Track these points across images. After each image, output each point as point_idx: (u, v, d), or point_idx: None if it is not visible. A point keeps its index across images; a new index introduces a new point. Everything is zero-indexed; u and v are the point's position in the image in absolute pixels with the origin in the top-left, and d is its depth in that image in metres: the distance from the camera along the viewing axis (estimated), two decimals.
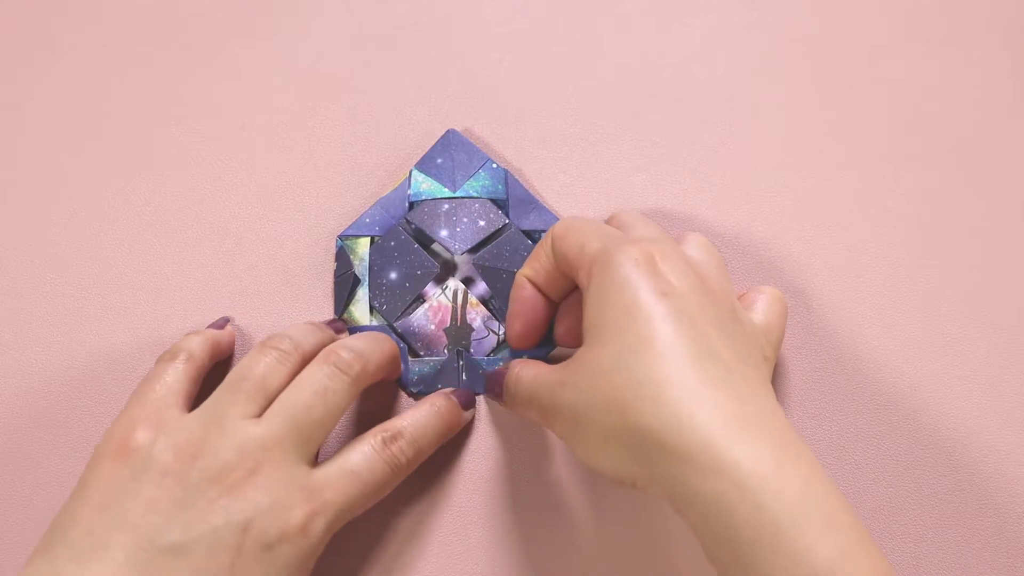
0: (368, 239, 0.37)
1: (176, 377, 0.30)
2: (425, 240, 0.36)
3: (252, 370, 0.30)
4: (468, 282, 0.36)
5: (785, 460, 0.24)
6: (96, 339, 0.37)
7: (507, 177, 0.38)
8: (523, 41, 0.41)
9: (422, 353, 0.35)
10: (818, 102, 0.40)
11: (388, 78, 0.40)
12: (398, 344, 0.35)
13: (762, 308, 0.31)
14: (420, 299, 0.36)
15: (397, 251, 0.36)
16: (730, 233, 0.38)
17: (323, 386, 0.29)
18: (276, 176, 0.39)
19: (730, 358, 0.26)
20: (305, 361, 0.31)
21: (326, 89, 0.40)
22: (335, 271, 0.37)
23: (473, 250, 0.36)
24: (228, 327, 0.35)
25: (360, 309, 0.36)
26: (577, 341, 0.30)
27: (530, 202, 0.37)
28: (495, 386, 0.33)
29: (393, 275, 0.36)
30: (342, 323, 0.35)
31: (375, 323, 0.36)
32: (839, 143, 0.39)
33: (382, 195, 0.38)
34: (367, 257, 0.36)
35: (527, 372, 0.30)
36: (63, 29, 0.40)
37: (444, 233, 0.36)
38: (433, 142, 0.39)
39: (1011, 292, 0.37)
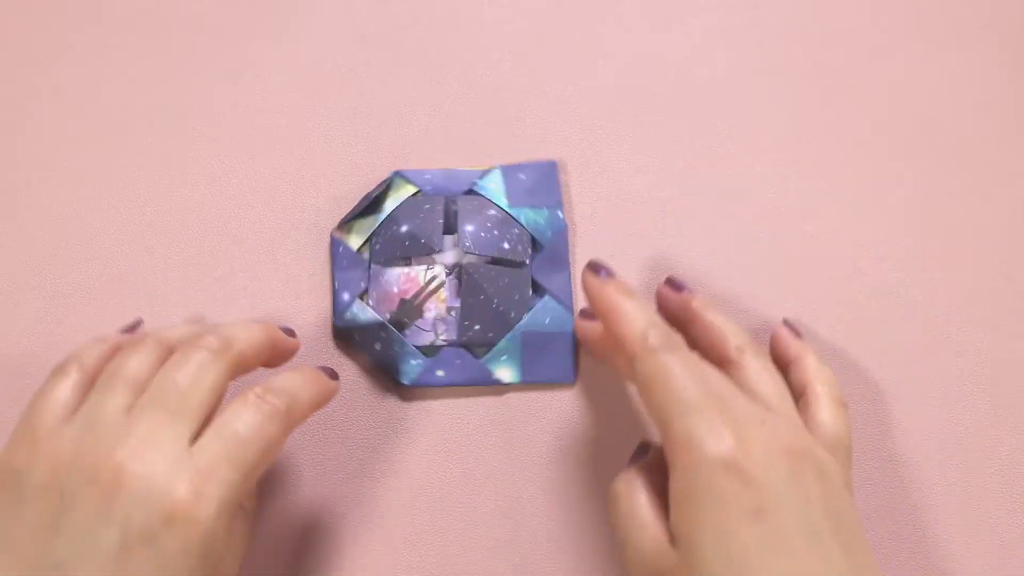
0: (413, 187, 0.37)
1: (62, 390, 0.29)
2: (452, 224, 0.36)
3: (120, 367, 0.29)
4: (451, 273, 0.36)
5: None
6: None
7: (564, 232, 0.37)
8: (523, 41, 0.41)
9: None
10: (818, 102, 0.40)
11: (388, 78, 0.40)
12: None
13: (827, 416, 0.31)
14: (407, 260, 0.36)
15: (423, 214, 0.36)
16: (730, 233, 0.38)
17: (190, 366, 0.28)
18: (276, 176, 0.39)
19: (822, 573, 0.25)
20: (171, 350, 0.30)
21: (326, 89, 0.40)
22: (372, 190, 0.37)
23: (479, 260, 0.36)
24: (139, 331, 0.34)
25: (361, 229, 0.36)
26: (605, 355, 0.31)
27: (562, 265, 0.37)
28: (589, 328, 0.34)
29: (404, 228, 0.36)
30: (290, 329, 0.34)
31: (365, 255, 0.36)
32: (839, 143, 0.39)
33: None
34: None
35: (642, 505, 0.29)
36: (63, 29, 0.40)
37: (470, 228, 0.36)
38: (433, 142, 0.39)
39: (1011, 292, 0.37)
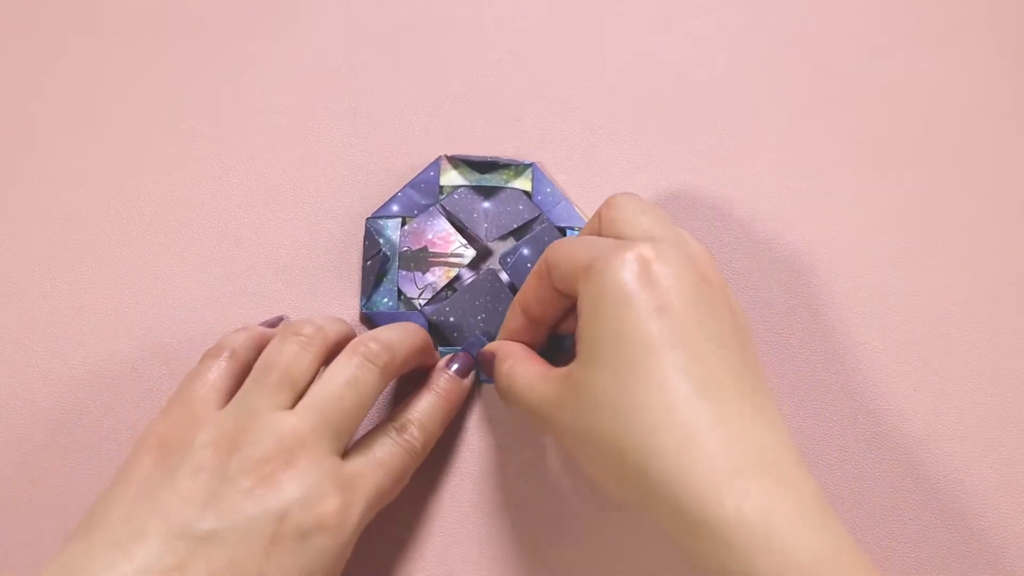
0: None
1: (218, 374, 0.31)
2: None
3: (276, 360, 0.30)
4: (474, 265, 0.37)
5: (777, 503, 0.24)
6: (96, 339, 0.37)
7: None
8: (523, 41, 0.41)
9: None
10: (818, 102, 0.40)
11: (388, 78, 0.40)
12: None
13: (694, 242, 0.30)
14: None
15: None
16: (730, 233, 0.38)
17: (353, 376, 0.30)
18: (276, 176, 0.39)
19: (728, 379, 0.26)
20: (328, 348, 0.31)
21: (326, 89, 0.40)
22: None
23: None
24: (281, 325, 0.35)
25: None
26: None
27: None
28: (487, 368, 0.33)
29: (487, 204, 0.37)
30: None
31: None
32: (839, 143, 0.39)
33: (379, 195, 0.38)
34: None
35: (519, 375, 0.30)
36: (63, 29, 0.40)
37: (525, 252, 0.36)
38: (433, 142, 0.39)
39: (1011, 292, 0.37)
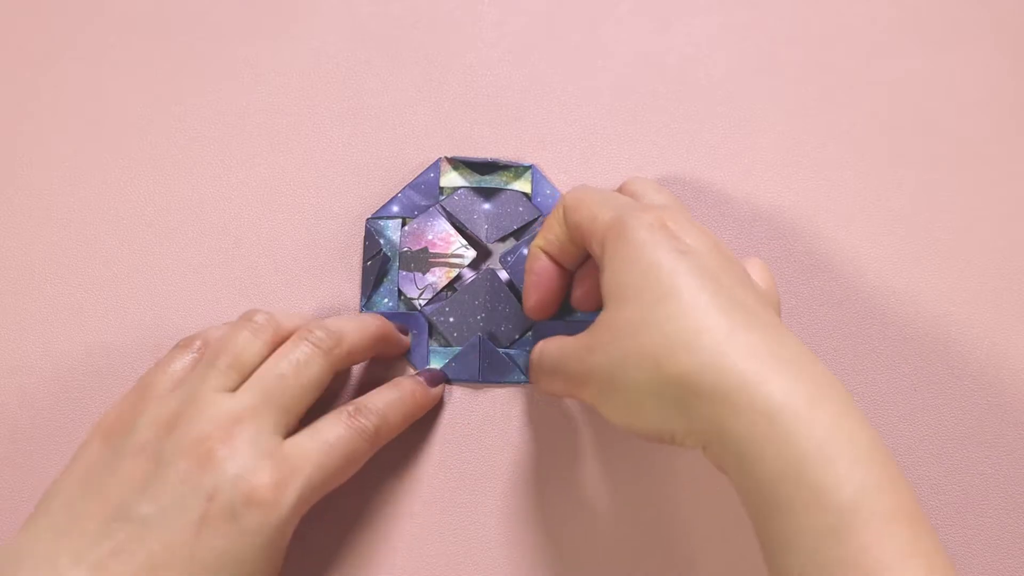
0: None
1: (182, 366, 0.31)
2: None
3: (228, 344, 0.30)
4: (474, 266, 0.37)
5: (818, 396, 0.24)
6: (95, 339, 0.37)
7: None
8: (523, 41, 0.41)
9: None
10: (818, 102, 0.40)
11: (388, 78, 0.40)
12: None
13: (755, 275, 0.31)
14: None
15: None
16: (730, 233, 0.38)
17: (297, 360, 0.30)
18: (276, 176, 0.39)
19: (756, 306, 0.26)
20: (279, 336, 0.31)
21: (326, 89, 0.40)
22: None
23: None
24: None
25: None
26: (594, 305, 0.31)
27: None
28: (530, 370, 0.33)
29: (486, 206, 0.37)
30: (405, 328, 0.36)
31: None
32: (839, 143, 0.39)
33: (379, 195, 0.38)
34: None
35: (551, 345, 0.31)
36: (63, 29, 0.40)
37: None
38: (433, 142, 0.39)
39: (1011, 292, 0.37)
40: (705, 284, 0.26)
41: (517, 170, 0.38)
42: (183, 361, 0.31)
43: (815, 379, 0.25)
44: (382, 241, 0.37)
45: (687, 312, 0.26)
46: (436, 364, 0.36)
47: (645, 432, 0.27)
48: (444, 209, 0.37)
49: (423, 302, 0.36)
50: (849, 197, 0.39)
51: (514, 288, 0.36)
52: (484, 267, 0.37)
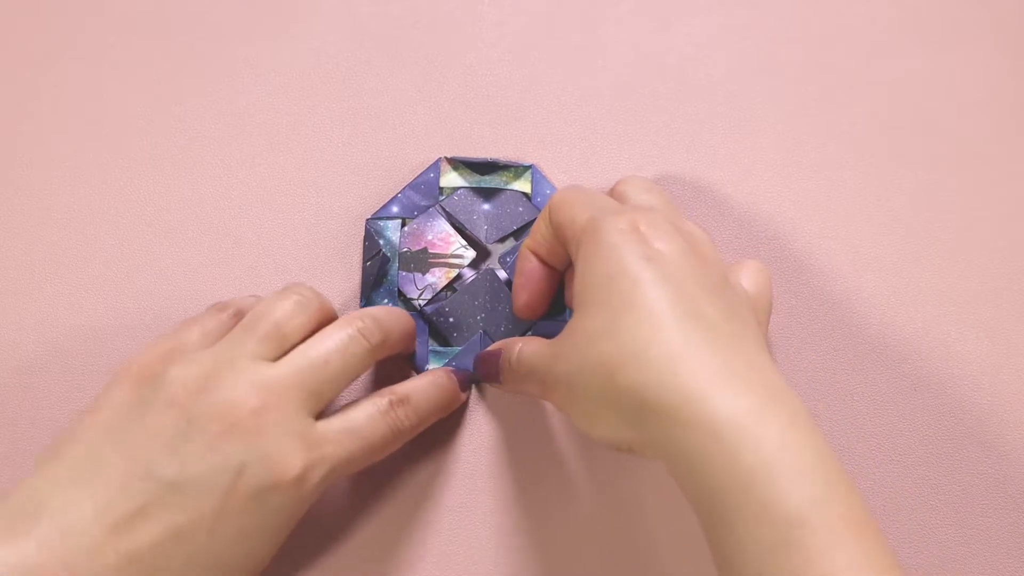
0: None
1: (216, 326, 0.30)
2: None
3: (270, 312, 0.29)
4: (474, 266, 0.37)
5: (767, 411, 0.24)
6: (95, 338, 0.37)
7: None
8: (523, 41, 0.41)
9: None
10: (818, 102, 0.40)
11: (388, 78, 0.40)
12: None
13: (748, 278, 0.31)
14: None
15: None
16: (730, 233, 0.38)
17: (344, 344, 0.29)
18: (276, 176, 0.39)
19: (718, 317, 0.26)
20: (323, 315, 0.31)
21: (326, 89, 0.40)
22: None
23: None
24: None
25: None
26: None
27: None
28: (490, 367, 0.33)
29: (485, 206, 0.37)
30: None
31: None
32: (839, 143, 0.39)
33: (378, 195, 0.38)
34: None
35: (528, 348, 0.31)
36: (63, 28, 0.40)
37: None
38: (433, 142, 0.39)
39: (1011, 292, 0.37)
40: (666, 293, 0.26)
41: (517, 170, 0.38)
42: (218, 321, 0.30)
43: (766, 391, 0.25)
44: (381, 241, 0.37)
45: (642, 323, 0.25)
46: (435, 364, 0.36)
47: (605, 441, 0.27)
48: (444, 209, 0.37)
49: (423, 302, 0.36)
50: (849, 197, 0.39)
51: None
52: (484, 267, 0.37)
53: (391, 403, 0.30)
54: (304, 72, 0.40)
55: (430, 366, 0.36)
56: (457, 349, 0.36)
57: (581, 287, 0.28)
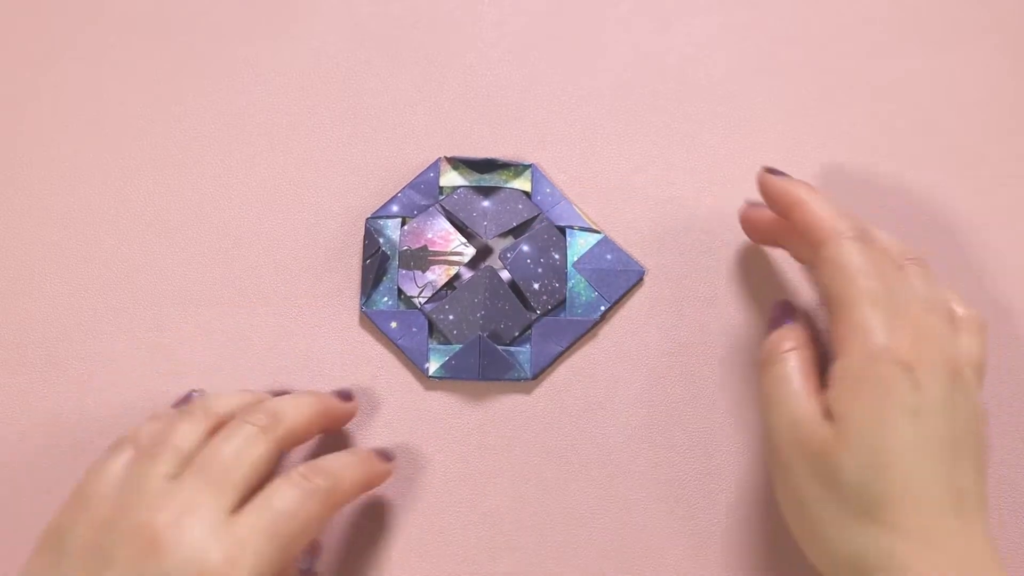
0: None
1: (116, 464, 0.30)
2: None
3: (165, 437, 0.30)
4: (473, 263, 0.37)
5: None
6: (95, 339, 0.37)
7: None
8: (523, 40, 0.41)
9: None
10: (818, 102, 0.40)
11: (388, 78, 0.40)
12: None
13: (973, 348, 0.30)
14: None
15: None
16: (730, 234, 0.38)
17: (238, 442, 0.29)
18: (276, 176, 0.39)
19: (968, 505, 0.27)
20: (218, 424, 0.31)
21: (326, 89, 0.40)
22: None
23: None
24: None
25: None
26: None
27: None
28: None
29: (485, 203, 0.37)
30: (349, 391, 0.35)
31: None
32: (839, 143, 0.39)
33: (378, 195, 0.38)
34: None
35: (791, 375, 0.30)
36: (63, 28, 0.40)
37: (525, 248, 0.37)
38: (433, 142, 0.39)
39: (1011, 292, 0.37)
40: (920, 467, 0.27)
41: (517, 169, 0.38)
42: (120, 460, 0.30)
43: None
44: (381, 240, 0.37)
45: (895, 500, 0.26)
46: (436, 362, 0.36)
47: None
48: (443, 208, 0.37)
49: (423, 300, 0.36)
50: (849, 197, 0.39)
51: (515, 286, 0.36)
52: (484, 265, 0.37)
53: (300, 473, 0.29)
54: (304, 72, 0.40)
55: (430, 364, 0.36)
56: (457, 347, 0.36)
57: (844, 407, 0.28)
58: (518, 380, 0.36)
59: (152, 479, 0.28)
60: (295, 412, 0.31)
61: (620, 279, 0.37)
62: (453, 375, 0.36)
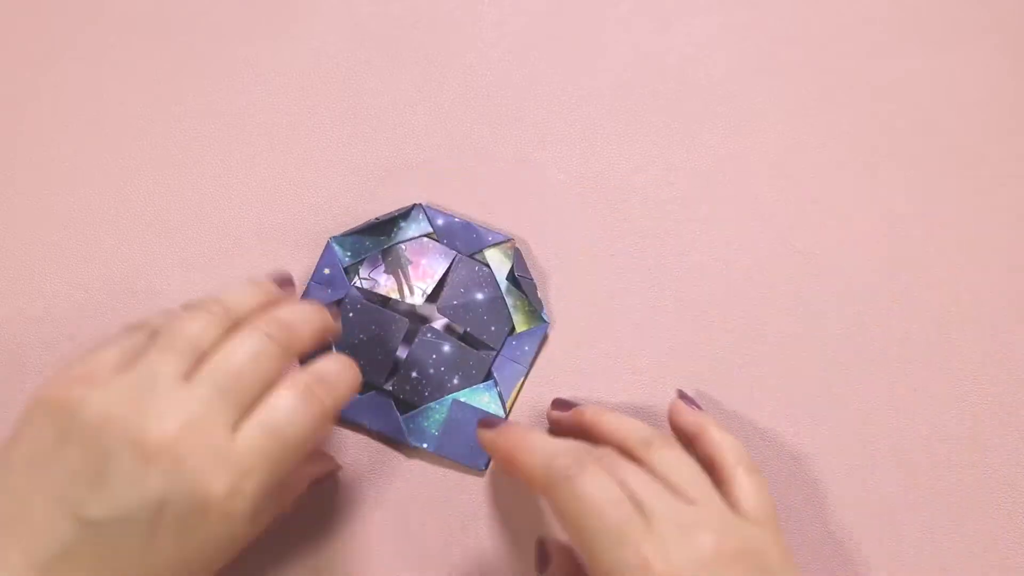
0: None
1: (130, 343, 0.29)
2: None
3: (184, 329, 0.29)
4: (447, 328, 0.36)
5: None
6: (96, 339, 0.36)
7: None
8: (523, 40, 0.41)
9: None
10: (818, 102, 0.40)
11: (388, 78, 0.40)
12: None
13: (748, 492, 0.30)
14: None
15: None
16: (730, 232, 0.38)
17: (254, 353, 0.28)
18: (276, 176, 0.39)
19: None
20: (237, 323, 0.30)
21: (326, 89, 0.40)
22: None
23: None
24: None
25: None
26: None
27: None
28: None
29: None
30: (288, 275, 0.34)
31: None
32: (839, 143, 0.39)
33: (377, 195, 0.38)
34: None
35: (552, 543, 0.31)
36: (63, 29, 0.40)
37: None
38: (433, 142, 0.39)
39: (1012, 292, 0.37)
40: None
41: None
42: (132, 342, 0.29)
43: None
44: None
45: None
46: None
47: None
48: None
49: (361, 284, 0.36)
50: (849, 197, 0.39)
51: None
52: (424, 327, 0.36)
53: (308, 386, 0.28)
54: (304, 72, 0.40)
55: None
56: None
57: None
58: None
59: (163, 375, 0.27)
60: (307, 327, 0.30)
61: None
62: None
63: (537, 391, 0.36)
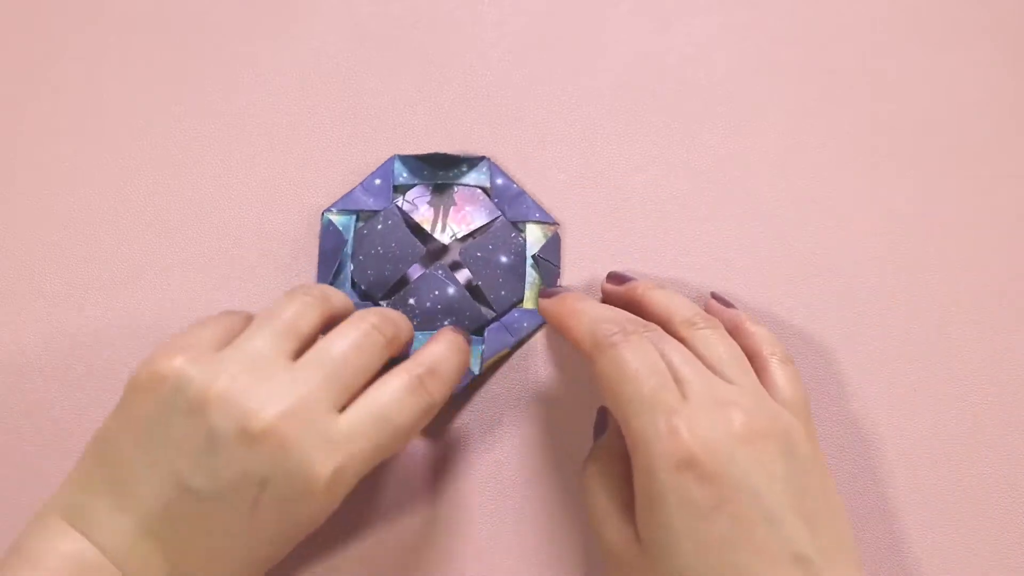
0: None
1: (228, 324, 0.30)
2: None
3: (282, 311, 0.29)
4: (455, 267, 0.37)
5: None
6: (95, 339, 0.37)
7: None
8: (523, 40, 0.41)
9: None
10: (818, 102, 0.40)
11: (388, 78, 0.40)
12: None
13: (783, 388, 0.30)
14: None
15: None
16: (730, 232, 0.38)
17: (360, 340, 0.29)
18: (276, 176, 0.39)
19: (793, 563, 0.26)
20: (333, 312, 0.31)
21: (326, 89, 0.40)
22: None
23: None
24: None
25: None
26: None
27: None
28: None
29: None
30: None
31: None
32: (839, 143, 0.39)
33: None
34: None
35: (591, 488, 0.30)
36: (63, 28, 0.40)
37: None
38: (433, 142, 0.39)
39: (1011, 292, 0.37)
40: (737, 569, 0.26)
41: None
42: (230, 321, 0.30)
43: None
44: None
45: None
46: None
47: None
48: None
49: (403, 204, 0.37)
50: (849, 197, 0.39)
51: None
52: (438, 263, 0.37)
53: (419, 377, 0.29)
54: (304, 72, 0.40)
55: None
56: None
57: (648, 527, 0.27)
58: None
59: (268, 355, 0.28)
60: (406, 325, 0.31)
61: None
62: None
63: (513, 376, 0.36)
